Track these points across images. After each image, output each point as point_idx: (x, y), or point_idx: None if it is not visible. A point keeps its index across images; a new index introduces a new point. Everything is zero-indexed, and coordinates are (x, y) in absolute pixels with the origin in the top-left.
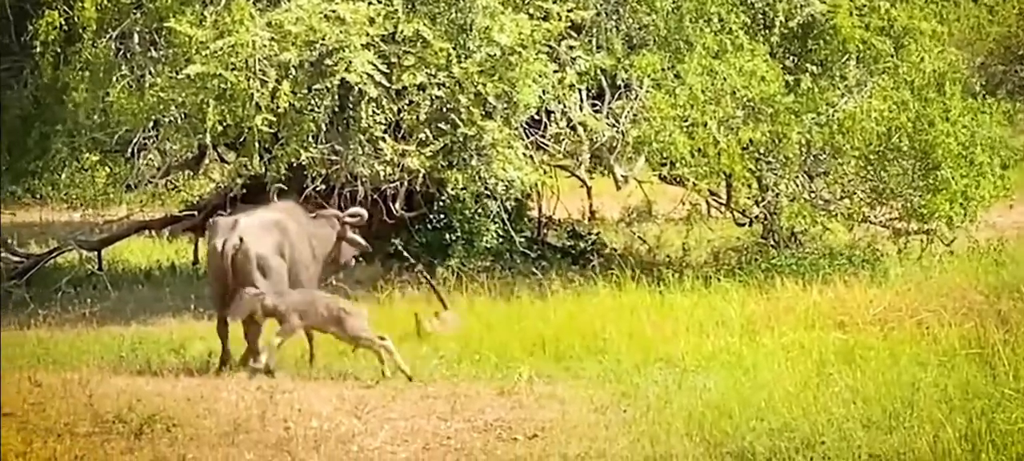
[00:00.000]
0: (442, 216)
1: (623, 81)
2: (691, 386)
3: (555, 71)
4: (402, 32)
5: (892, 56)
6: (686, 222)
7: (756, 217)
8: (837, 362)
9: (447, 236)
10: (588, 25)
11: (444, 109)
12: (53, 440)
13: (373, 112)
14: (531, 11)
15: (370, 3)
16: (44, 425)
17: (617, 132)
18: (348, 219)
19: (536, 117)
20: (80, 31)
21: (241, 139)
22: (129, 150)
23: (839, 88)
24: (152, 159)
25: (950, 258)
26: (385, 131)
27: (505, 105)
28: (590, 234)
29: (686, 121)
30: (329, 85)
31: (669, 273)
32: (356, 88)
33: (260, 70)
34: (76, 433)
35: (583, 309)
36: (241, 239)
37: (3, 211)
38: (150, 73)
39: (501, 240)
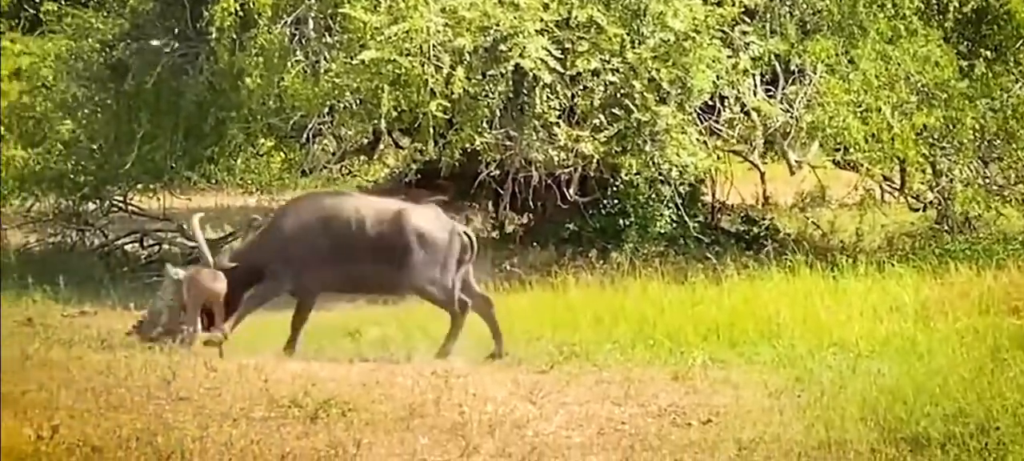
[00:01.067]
0: (616, 201)
1: (797, 66)
2: (865, 371)
3: (729, 56)
4: (576, 18)
5: None
6: (860, 207)
7: (930, 202)
8: (1011, 347)
9: (621, 221)
10: (762, 10)
11: (618, 94)
12: (229, 425)
13: (547, 98)
14: None
15: None
16: (220, 410)
17: (791, 117)
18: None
19: (710, 102)
20: (255, 17)
21: (416, 124)
22: (304, 135)
23: (1013, 73)
24: (327, 144)
25: None
26: (559, 116)
27: (679, 90)
28: (764, 219)
29: (860, 106)
30: (503, 71)
31: (843, 258)
32: (530, 74)
33: (434, 56)
34: (252, 417)
35: (757, 294)
36: None
37: (179, 196)
38: (325, 59)
39: (675, 225)
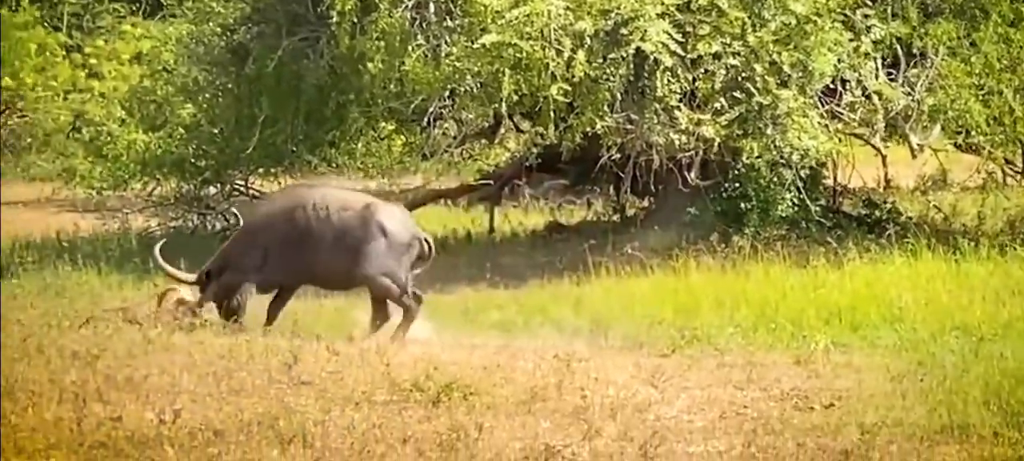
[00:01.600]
0: (737, 185)
1: (918, 49)
2: (987, 355)
3: (850, 39)
4: (697, 1)
5: None
6: (981, 190)
7: None
8: None
9: (742, 205)
10: None
11: (739, 78)
12: (351, 409)
13: (668, 81)
14: None
15: None
16: (342, 394)
17: (912, 100)
18: None
19: (831, 86)
20: (376, 1)
21: (536, 108)
22: (424, 119)
23: None
24: (448, 128)
25: None
26: (680, 100)
27: (800, 74)
28: (885, 203)
29: (982, 89)
30: (624, 54)
31: (965, 242)
32: (651, 57)
33: (555, 39)
34: (374, 401)
35: (879, 278)
36: None
37: (300, 180)
38: (446, 43)
39: (796, 209)
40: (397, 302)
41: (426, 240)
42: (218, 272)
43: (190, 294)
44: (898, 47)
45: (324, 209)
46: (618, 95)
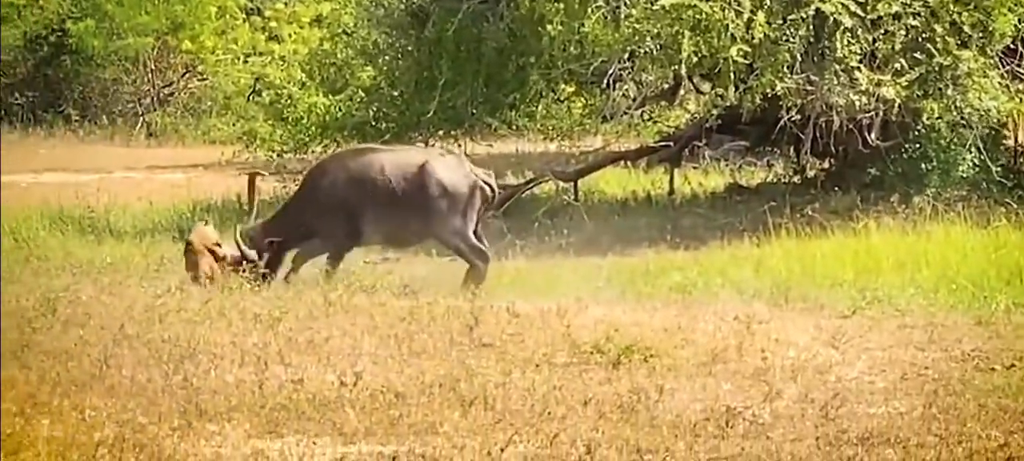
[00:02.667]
0: (917, 146)
1: None
2: None
3: None
4: None
5: None
6: None
7: None
8: None
9: (923, 166)
10: None
11: (919, 38)
12: (531, 370)
13: (848, 42)
14: None
15: None
16: (522, 355)
17: None
18: None
19: (1011, 46)
20: None
21: (716, 70)
22: (604, 81)
23: None
24: (627, 90)
25: None
26: (860, 61)
27: (981, 34)
28: None
29: None
30: (804, 15)
31: None
32: (831, 18)
33: (735, 0)
34: (554, 363)
35: None
36: None
37: (480, 142)
38: (625, 4)
39: (977, 169)
40: (466, 258)
41: (487, 184)
42: (291, 240)
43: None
44: None
45: (391, 171)
46: (798, 56)
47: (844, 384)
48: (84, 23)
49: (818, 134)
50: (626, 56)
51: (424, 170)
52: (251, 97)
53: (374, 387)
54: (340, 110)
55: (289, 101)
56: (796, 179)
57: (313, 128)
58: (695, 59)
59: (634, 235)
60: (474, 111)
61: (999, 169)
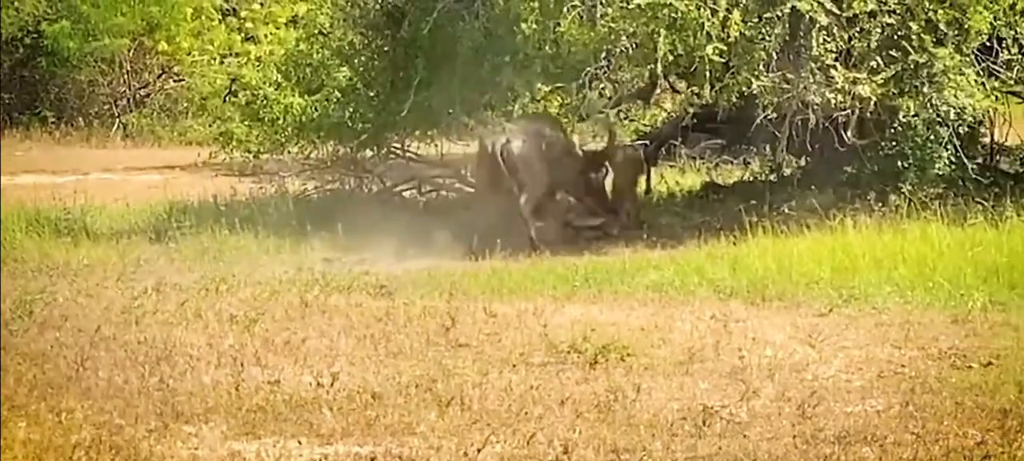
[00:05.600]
0: (894, 143)
1: None
2: None
3: None
4: None
5: None
6: None
7: None
8: None
9: (899, 163)
10: None
11: (895, 36)
12: (508, 370)
13: (824, 40)
14: None
15: None
16: (499, 355)
17: None
18: None
19: (987, 44)
20: None
21: (692, 68)
22: (580, 80)
23: None
24: (603, 89)
25: None
26: (836, 59)
27: (956, 31)
28: None
29: None
30: (780, 13)
31: None
32: (807, 16)
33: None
34: (531, 363)
35: None
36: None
37: (456, 142)
38: (601, 3)
39: (953, 167)
40: None
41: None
42: None
43: None
44: None
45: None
46: (773, 54)
47: (821, 382)
48: (59, 25)
49: (794, 132)
50: (602, 55)
51: None
52: (227, 98)
53: (351, 388)
54: (316, 111)
55: (265, 102)
56: (772, 177)
57: (289, 129)
58: (671, 58)
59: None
60: (450, 111)
61: (975, 167)
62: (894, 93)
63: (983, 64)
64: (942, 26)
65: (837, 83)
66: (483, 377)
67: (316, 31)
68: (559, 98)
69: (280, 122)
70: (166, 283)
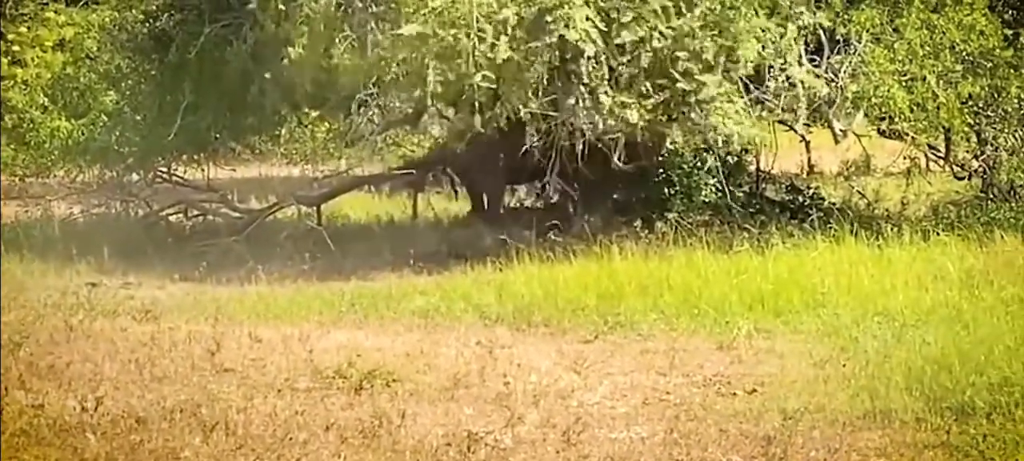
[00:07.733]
0: (661, 170)
1: (842, 36)
2: (910, 340)
3: (777, 26)
4: None
5: None
6: (905, 176)
7: (975, 171)
8: None
9: (666, 190)
10: None
11: (663, 63)
12: (273, 395)
13: (594, 67)
14: None
15: None
16: (264, 380)
17: (836, 87)
18: None
19: (755, 72)
20: None
21: (462, 96)
22: (349, 106)
23: None
24: (372, 115)
25: None
26: (607, 81)
27: (725, 60)
28: (809, 188)
29: (905, 75)
30: (549, 41)
31: (888, 227)
32: (576, 43)
33: (479, 27)
34: (296, 388)
35: (802, 263)
36: None
37: (223, 167)
38: (372, 30)
39: (720, 194)
40: None
41: None
42: None
43: None
44: (821, 33)
45: None
46: (543, 80)
47: (586, 409)
48: None
49: (563, 159)
50: (371, 82)
51: None
52: None
53: (115, 412)
54: (83, 134)
55: (31, 125)
56: (540, 204)
57: (55, 152)
58: (440, 88)
59: (377, 260)
60: (217, 135)
61: (742, 194)
62: (662, 120)
63: (751, 93)
64: (709, 56)
65: (605, 107)
66: (248, 402)
67: (83, 55)
68: (327, 123)
69: (46, 145)
70: None
